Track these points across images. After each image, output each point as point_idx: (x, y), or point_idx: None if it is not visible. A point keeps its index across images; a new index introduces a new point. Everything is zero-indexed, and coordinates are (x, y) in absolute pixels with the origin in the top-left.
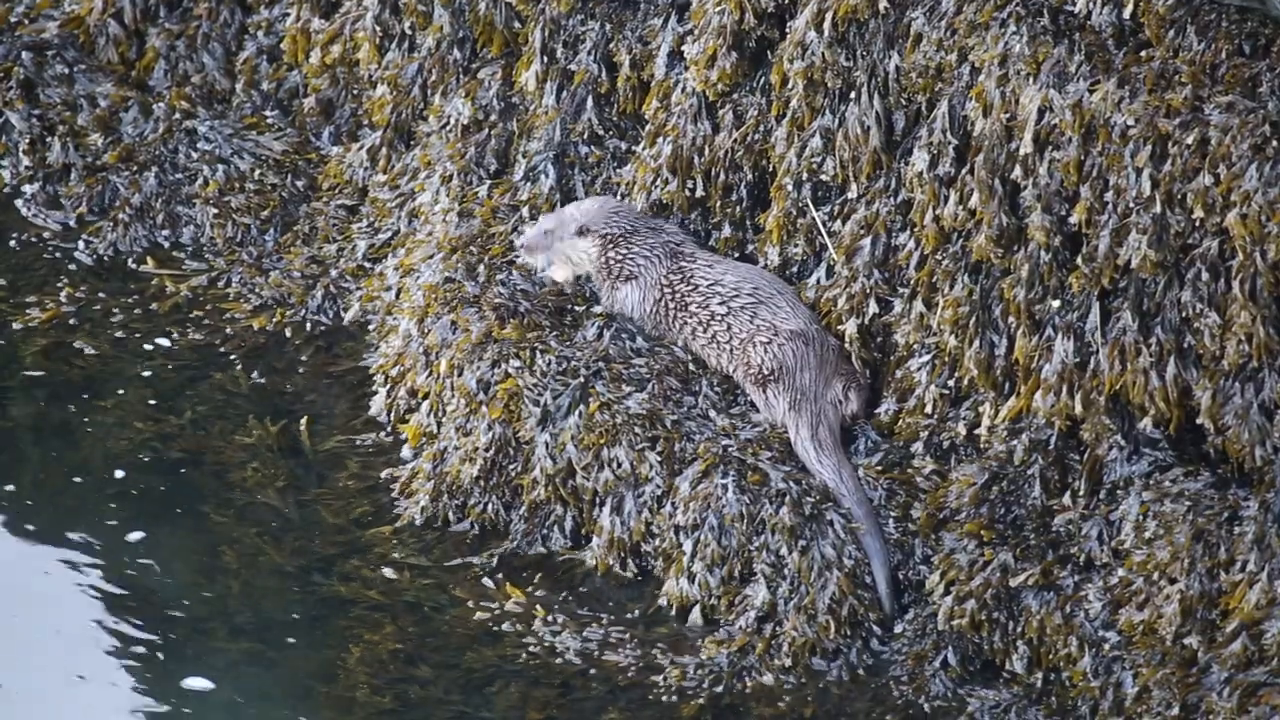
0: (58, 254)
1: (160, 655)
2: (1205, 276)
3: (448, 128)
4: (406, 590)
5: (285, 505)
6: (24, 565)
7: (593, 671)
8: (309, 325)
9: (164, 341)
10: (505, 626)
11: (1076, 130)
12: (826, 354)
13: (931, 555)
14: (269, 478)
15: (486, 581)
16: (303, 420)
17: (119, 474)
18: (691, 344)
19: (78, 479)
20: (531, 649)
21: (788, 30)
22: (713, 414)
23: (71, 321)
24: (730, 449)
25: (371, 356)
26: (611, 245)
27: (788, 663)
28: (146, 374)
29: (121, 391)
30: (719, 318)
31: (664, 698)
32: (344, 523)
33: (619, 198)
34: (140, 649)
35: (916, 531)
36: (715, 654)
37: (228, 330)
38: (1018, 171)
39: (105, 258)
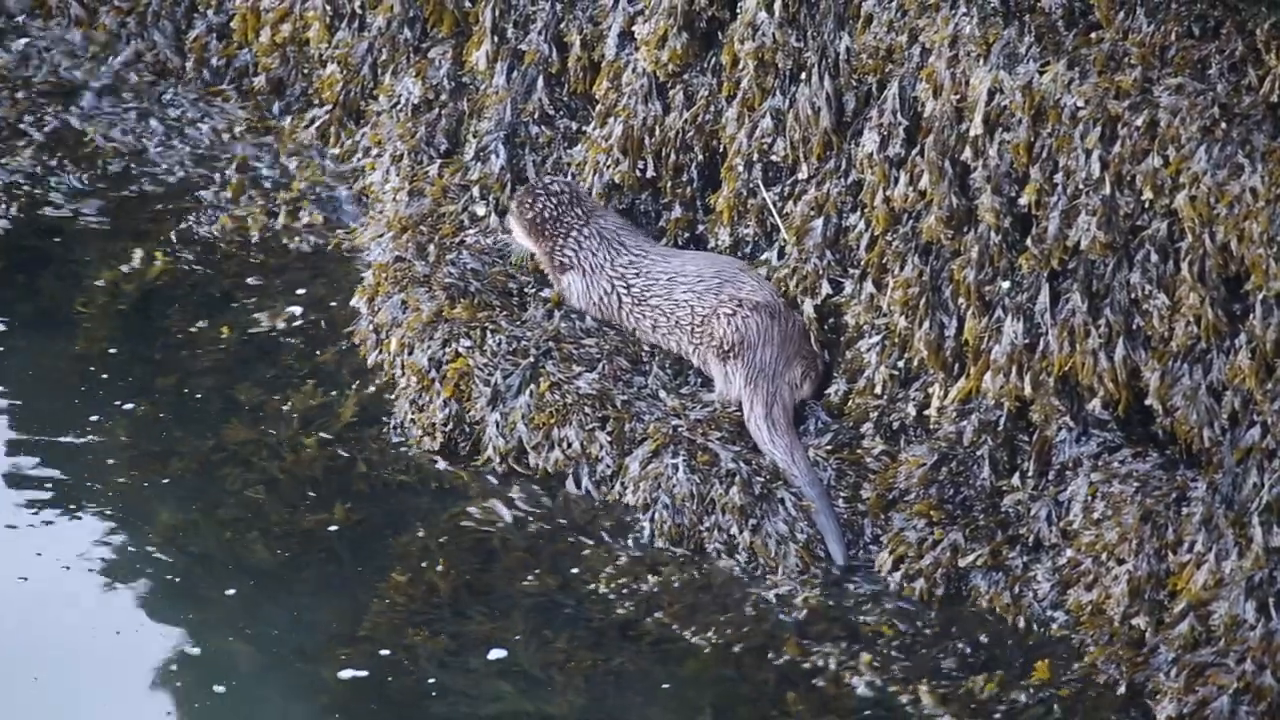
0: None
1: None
2: (1154, 258)
3: (398, 107)
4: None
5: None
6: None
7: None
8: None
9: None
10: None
11: (1026, 112)
12: (790, 331)
13: (881, 535)
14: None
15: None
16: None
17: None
18: (649, 335)
19: (63, 396)
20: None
21: (738, 10)
22: (663, 394)
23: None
24: (680, 429)
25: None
26: (538, 233)
27: None
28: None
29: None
30: (683, 304)
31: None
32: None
33: (564, 178)
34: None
35: (866, 512)
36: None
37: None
38: (968, 153)
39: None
